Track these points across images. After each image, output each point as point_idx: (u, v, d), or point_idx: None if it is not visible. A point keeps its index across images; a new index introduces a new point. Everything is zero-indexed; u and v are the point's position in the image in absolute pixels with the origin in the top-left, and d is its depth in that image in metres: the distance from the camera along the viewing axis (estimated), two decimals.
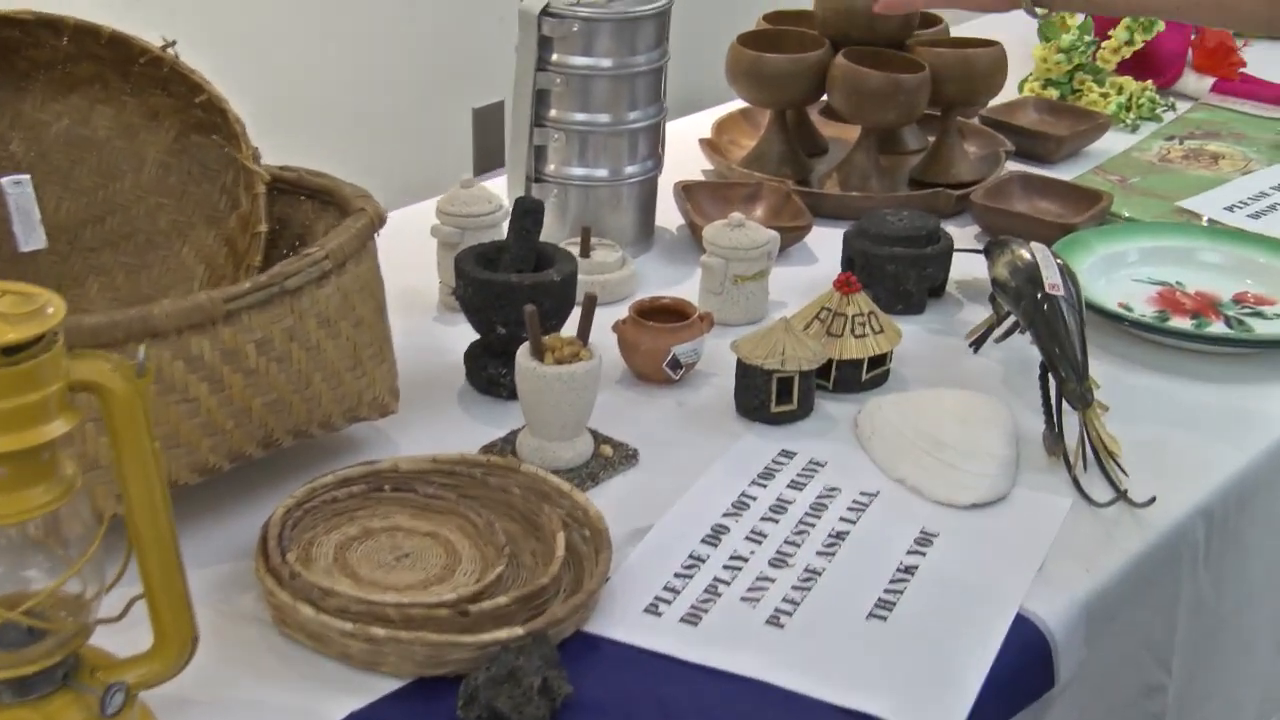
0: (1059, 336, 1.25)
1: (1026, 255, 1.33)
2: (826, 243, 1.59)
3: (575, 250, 1.47)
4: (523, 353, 1.18)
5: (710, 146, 1.81)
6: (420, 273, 1.48)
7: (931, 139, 1.83)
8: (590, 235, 1.48)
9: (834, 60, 1.68)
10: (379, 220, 1.18)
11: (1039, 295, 1.28)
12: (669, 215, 1.64)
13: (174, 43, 1.21)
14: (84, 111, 1.28)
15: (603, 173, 1.53)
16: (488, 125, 3.14)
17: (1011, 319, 1.35)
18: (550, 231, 1.52)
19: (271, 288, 1.06)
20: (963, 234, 1.66)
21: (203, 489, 1.08)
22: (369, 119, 2.52)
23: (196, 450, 1.05)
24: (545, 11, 1.47)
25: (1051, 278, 1.30)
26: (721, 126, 1.87)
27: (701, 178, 1.79)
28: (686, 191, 1.63)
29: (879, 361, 1.33)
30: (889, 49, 1.72)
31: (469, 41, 2.79)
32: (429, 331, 1.42)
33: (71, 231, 1.28)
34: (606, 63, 1.49)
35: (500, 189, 1.55)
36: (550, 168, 1.53)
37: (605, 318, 1.41)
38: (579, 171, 1.53)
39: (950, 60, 1.70)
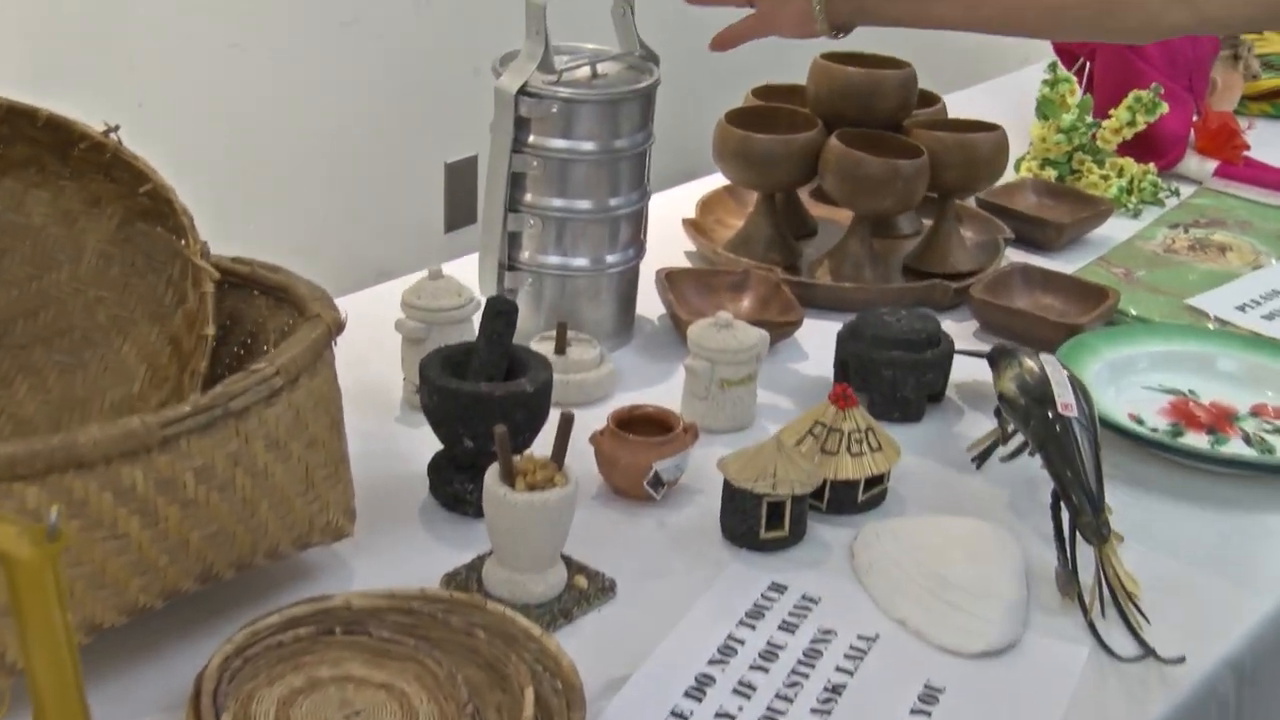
0: (1073, 463, 1.15)
1: (1035, 369, 1.24)
2: (817, 337, 1.50)
3: (550, 346, 1.37)
4: (491, 476, 1.08)
5: (694, 227, 1.71)
6: (384, 365, 1.38)
7: (926, 222, 1.74)
8: (566, 331, 1.38)
9: (827, 142, 1.59)
10: (336, 328, 1.08)
11: (1050, 416, 1.19)
12: (649, 302, 1.54)
13: (117, 128, 1.11)
14: (17, 196, 1.17)
15: (581, 262, 1.43)
16: (460, 179, 3.06)
17: (1019, 438, 1.25)
18: (524, 322, 1.41)
19: (214, 410, 0.95)
20: (961, 329, 1.57)
21: (130, 626, 0.97)
22: (339, 172, 2.43)
23: (124, 590, 0.94)
24: (523, 91, 1.37)
25: (1064, 396, 1.20)
26: (706, 205, 1.78)
27: (684, 260, 1.69)
28: (669, 280, 1.53)
29: (876, 480, 1.23)
30: (885, 131, 1.63)
31: (442, 95, 2.70)
32: (391, 435, 1.31)
33: (1, 327, 1.17)
34: (588, 145, 1.39)
35: (470, 268, 1.45)
36: (525, 255, 1.43)
37: (581, 421, 1.31)
38: (555, 260, 1.43)
39: (950, 145, 1.61)
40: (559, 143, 1.38)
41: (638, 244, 1.49)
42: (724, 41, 1.46)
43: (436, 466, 1.21)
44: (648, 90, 1.42)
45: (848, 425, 1.22)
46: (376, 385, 1.38)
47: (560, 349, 1.37)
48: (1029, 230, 1.78)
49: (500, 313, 1.20)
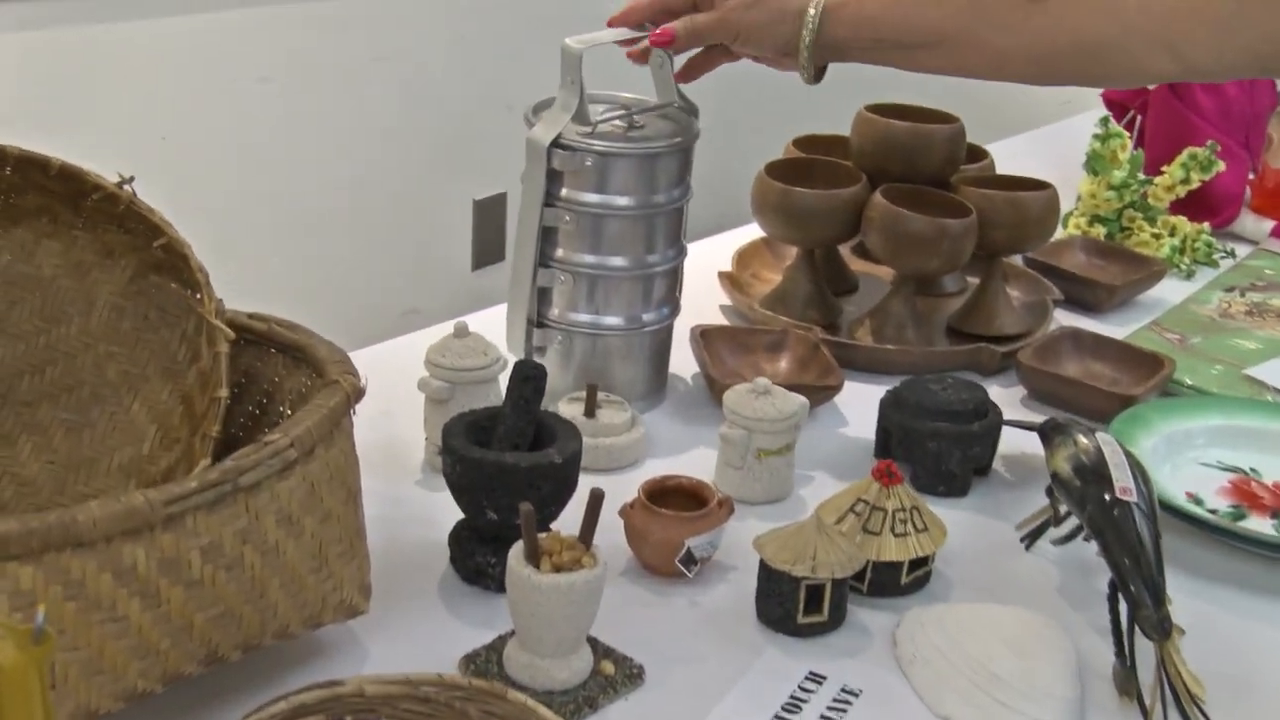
0: (1132, 552, 1.09)
1: (1091, 448, 1.17)
2: (858, 401, 1.44)
3: (579, 408, 1.31)
4: (515, 555, 1.02)
5: (730, 281, 1.65)
6: (407, 421, 1.33)
7: (972, 280, 1.68)
8: (597, 393, 1.32)
9: (871, 198, 1.53)
10: (355, 394, 1.02)
11: (1107, 500, 1.12)
12: (683, 359, 1.48)
13: (131, 179, 1.06)
14: (28, 247, 1.12)
15: (614, 320, 1.37)
16: (488, 217, 3.01)
17: (1073, 520, 1.19)
18: (553, 381, 1.36)
19: (223, 485, 0.90)
20: (1007, 395, 1.51)
21: (127, 712, 0.91)
22: (367, 207, 2.38)
23: (123, 675, 0.88)
24: (556, 143, 1.31)
25: (1122, 479, 1.14)
26: (743, 258, 1.72)
27: (719, 314, 1.64)
28: (704, 338, 1.47)
29: (921, 562, 1.17)
30: (931, 187, 1.57)
31: (472, 131, 2.64)
32: (411, 499, 1.26)
33: (5, 383, 1.11)
34: (623, 200, 1.34)
35: (498, 319, 1.39)
36: (555, 312, 1.38)
37: (610, 487, 1.25)
38: (586, 318, 1.37)
39: (999, 203, 1.55)
40: (593, 197, 1.33)
41: (673, 302, 1.43)
42: (696, 68, 1.40)
43: (458, 537, 1.16)
44: (686, 144, 1.36)
45: (891, 504, 1.16)
46: (398, 444, 1.32)
47: (590, 411, 1.31)
48: (1078, 291, 1.71)
49: (528, 378, 1.14)
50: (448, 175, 2.76)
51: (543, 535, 1.04)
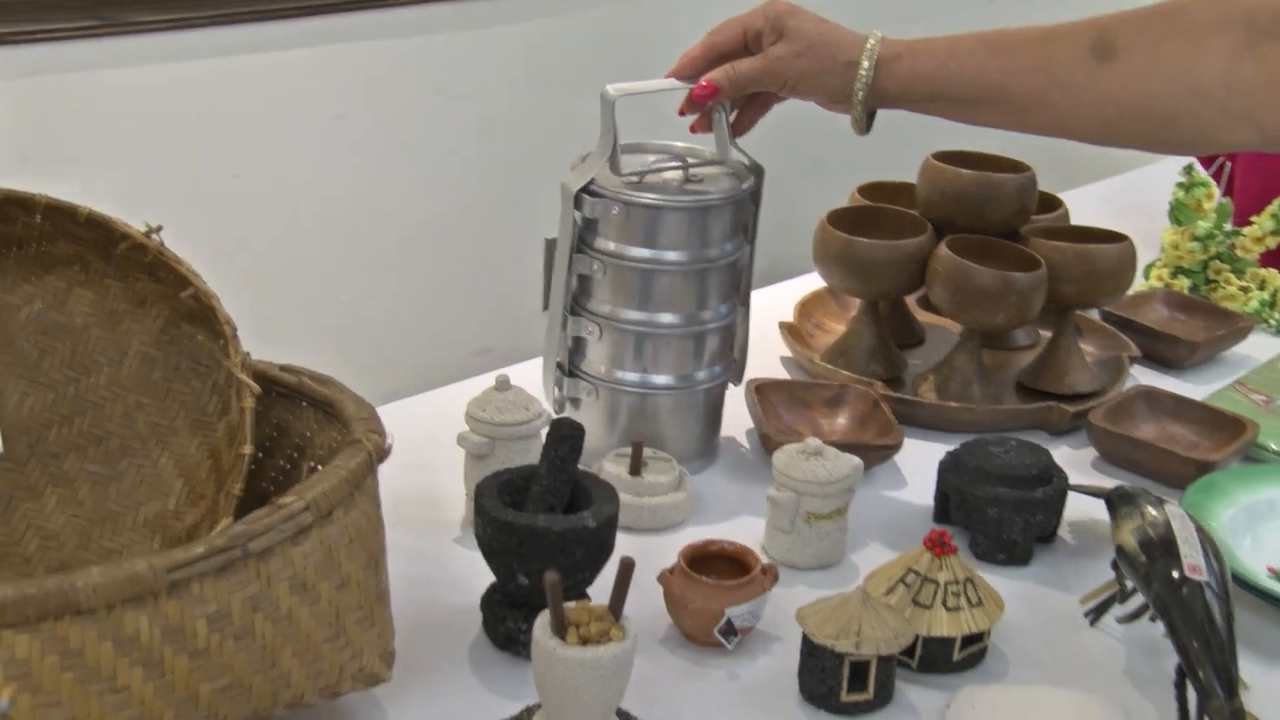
0: (1202, 635, 1.02)
1: (1159, 521, 1.11)
2: (919, 461, 1.38)
3: (624, 465, 1.27)
4: (541, 626, 0.97)
5: (791, 332, 1.60)
6: (450, 474, 1.29)
7: (1045, 333, 1.62)
8: (642, 450, 1.28)
9: (936, 250, 1.47)
10: (379, 454, 0.99)
11: (1175, 579, 1.06)
12: (739, 414, 1.43)
13: (159, 228, 1.03)
14: (60, 294, 1.10)
15: (664, 379, 1.33)
16: None
17: (1140, 597, 1.12)
18: (596, 440, 1.32)
19: (231, 551, 0.86)
20: (1077, 457, 1.44)
21: None
22: (439, 243, 2.34)
23: None
24: (587, 189, 1.28)
25: (1192, 557, 1.07)
26: (805, 307, 1.67)
27: (779, 366, 1.59)
28: (759, 394, 1.42)
29: (975, 638, 1.11)
30: (1000, 239, 1.51)
31: (544, 169, 2.61)
32: (446, 558, 1.22)
33: (34, 434, 1.09)
34: (671, 255, 1.29)
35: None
36: (590, 364, 1.34)
37: (653, 549, 1.21)
38: (634, 376, 1.32)
39: (1071, 257, 1.48)
40: (639, 251, 1.29)
41: (727, 359, 1.38)
42: (746, 120, 1.35)
43: (490, 601, 1.12)
44: (737, 198, 1.31)
45: (944, 575, 1.10)
46: (438, 498, 1.29)
47: (635, 470, 1.27)
48: (1157, 347, 1.64)
49: (565, 437, 1.10)
50: (519, 213, 2.72)
51: (571, 605, 0.99)
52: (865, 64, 1.25)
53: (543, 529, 1.05)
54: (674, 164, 1.33)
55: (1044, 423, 1.47)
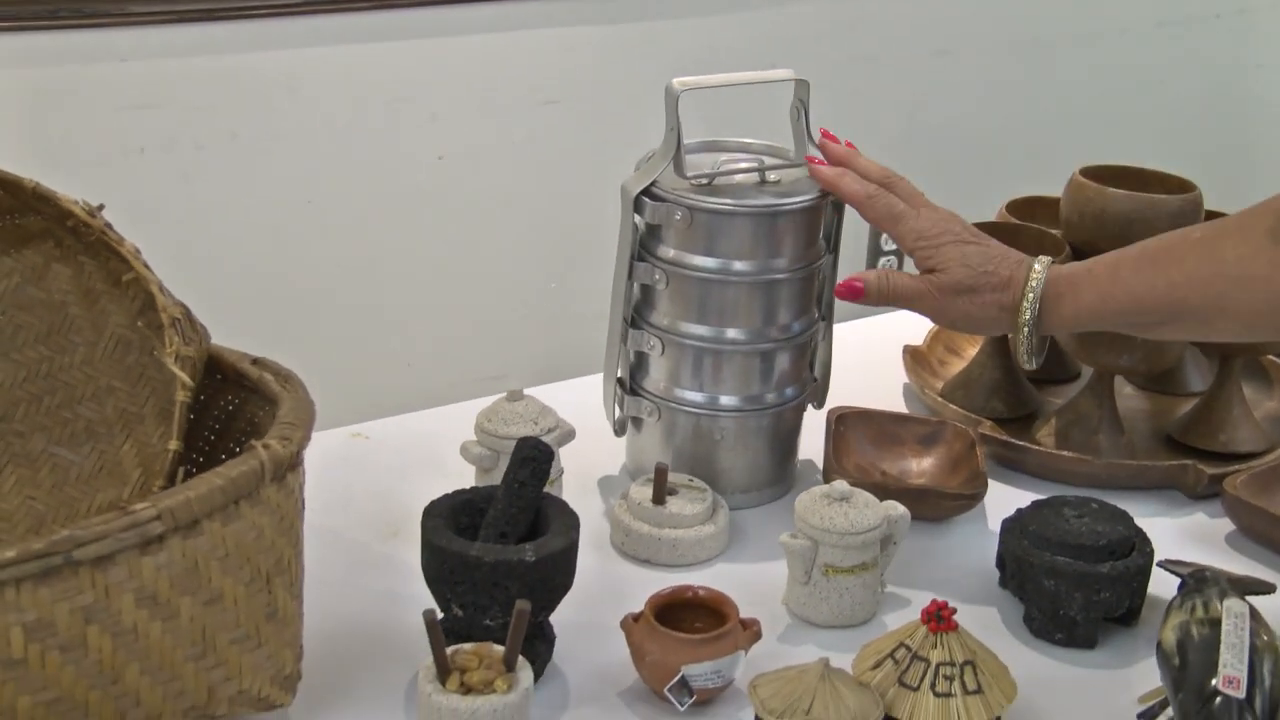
0: None
1: (1209, 621, 0.92)
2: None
3: (647, 492, 1.16)
4: (425, 667, 0.88)
5: (915, 358, 1.45)
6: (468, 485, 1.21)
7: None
8: (666, 477, 1.16)
9: None
10: (277, 465, 0.91)
11: (1205, 690, 0.87)
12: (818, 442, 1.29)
13: (101, 207, 0.99)
14: (39, 269, 1.07)
15: (728, 400, 1.21)
16: None
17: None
18: (649, 461, 1.21)
19: (51, 558, 0.80)
20: (1212, 526, 1.24)
21: None
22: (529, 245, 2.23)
23: None
24: (647, 193, 1.16)
25: (1233, 666, 0.88)
26: (942, 332, 1.50)
27: (898, 397, 1.43)
28: (840, 423, 1.28)
29: None
30: None
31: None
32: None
33: (1, 410, 1.07)
34: (738, 265, 1.17)
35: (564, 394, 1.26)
36: (652, 381, 1.23)
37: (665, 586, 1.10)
38: (693, 395, 1.21)
39: None
40: (699, 259, 1.17)
41: (802, 381, 1.24)
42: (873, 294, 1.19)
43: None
44: (809, 205, 1.18)
45: (938, 655, 0.95)
46: None
47: (659, 498, 1.16)
48: None
49: (527, 459, 1.00)
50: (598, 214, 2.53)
51: (466, 648, 0.90)
52: (1027, 314, 1.13)
53: (473, 559, 0.95)
54: (748, 165, 1.21)
55: (1179, 483, 1.27)
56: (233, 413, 1.07)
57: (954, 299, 1.14)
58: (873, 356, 1.47)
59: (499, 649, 0.90)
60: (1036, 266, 1.13)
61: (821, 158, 1.19)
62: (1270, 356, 1.42)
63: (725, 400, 1.21)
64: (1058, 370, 1.45)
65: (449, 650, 0.89)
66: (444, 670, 0.87)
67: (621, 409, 1.24)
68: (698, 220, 1.16)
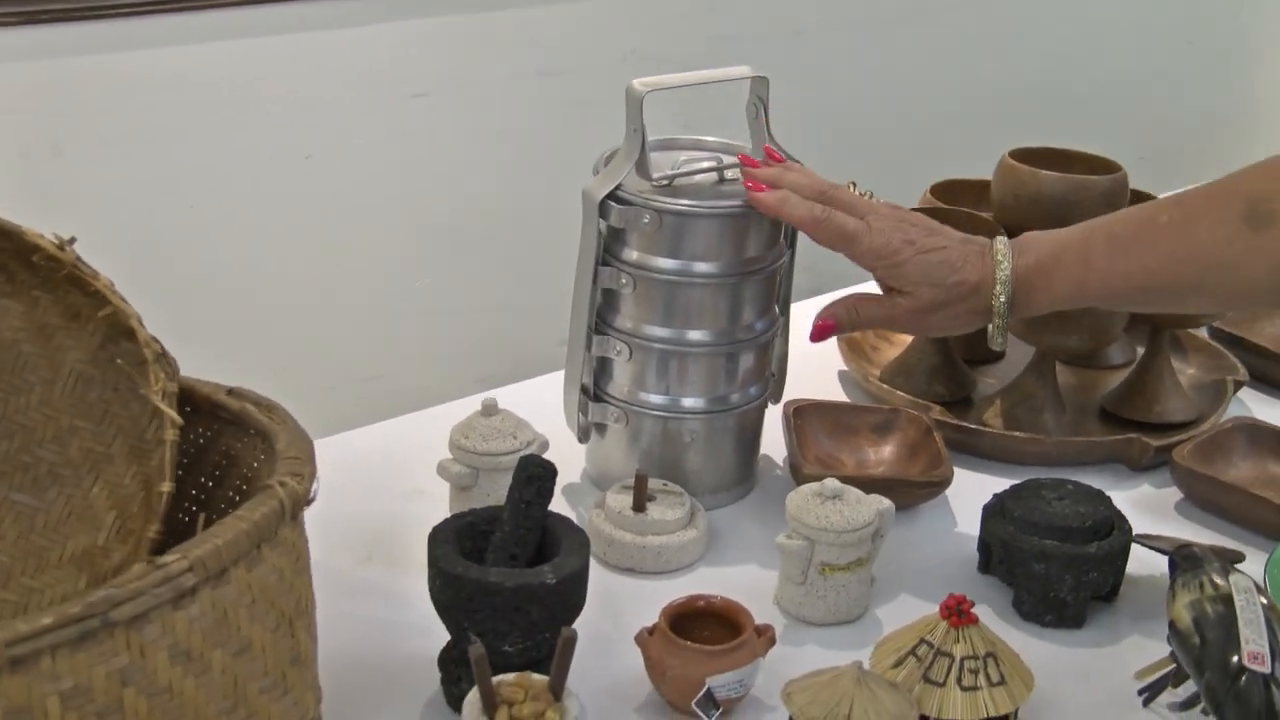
0: None
1: (1221, 595, 0.95)
2: (974, 496, 1.22)
3: (628, 499, 1.14)
4: (470, 703, 0.86)
5: (851, 345, 1.46)
6: (438, 505, 1.18)
7: (1141, 349, 1.44)
8: (647, 484, 1.15)
9: None
10: (295, 504, 0.87)
11: (1232, 667, 0.90)
12: (779, 439, 1.29)
13: (72, 240, 0.93)
14: None
15: (692, 401, 1.20)
16: None
17: (1193, 684, 0.96)
18: (617, 467, 1.21)
19: (88, 621, 0.75)
20: (1160, 497, 1.28)
21: None
22: (511, 227, 2.22)
23: None
24: (613, 196, 1.15)
25: (1255, 642, 0.91)
26: None
27: (837, 385, 1.44)
28: (797, 417, 1.28)
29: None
30: None
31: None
32: (419, 601, 1.09)
33: None
34: (700, 266, 1.16)
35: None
36: (616, 386, 1.21)
37: (654, 597, 1.08)
38: (657, 398, 1.20)
39: None
40: (664, 261, 1.16)
41: (764, 380, 1.24)
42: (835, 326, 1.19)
43: (446, 659, 1.00)
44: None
45: (961, 649, 0.96)
46: (422, 532, 1.17)
47: (639, 505, 1.14)
48: (1272, 369, 1.46)
49: (532, 478, 0.98)
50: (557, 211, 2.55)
51: (509, 678, 0.87)
52: (1002, 311, 1.13)
53: (494, 584, 0.93)
54: (706, 164, 1.20)
55: (1124, 457, 1.31)
56: (204, 446, 1.02)
57: (926, 317, 1.14)
58: (804, 343, 1.47)
59: (539, 678, 0.88)
60: (1002, 261, 1.13)
61: (755, 179, 1.16)
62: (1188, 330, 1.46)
63: (692, 402, 1.20)
64: (984, 351, 1.47)
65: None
66: (491, 705, 0.85)
67: (586, 416, 1.22)
68: (666, 222, 1.14)
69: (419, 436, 1.29)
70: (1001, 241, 1.14)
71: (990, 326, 1.14)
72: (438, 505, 1.19)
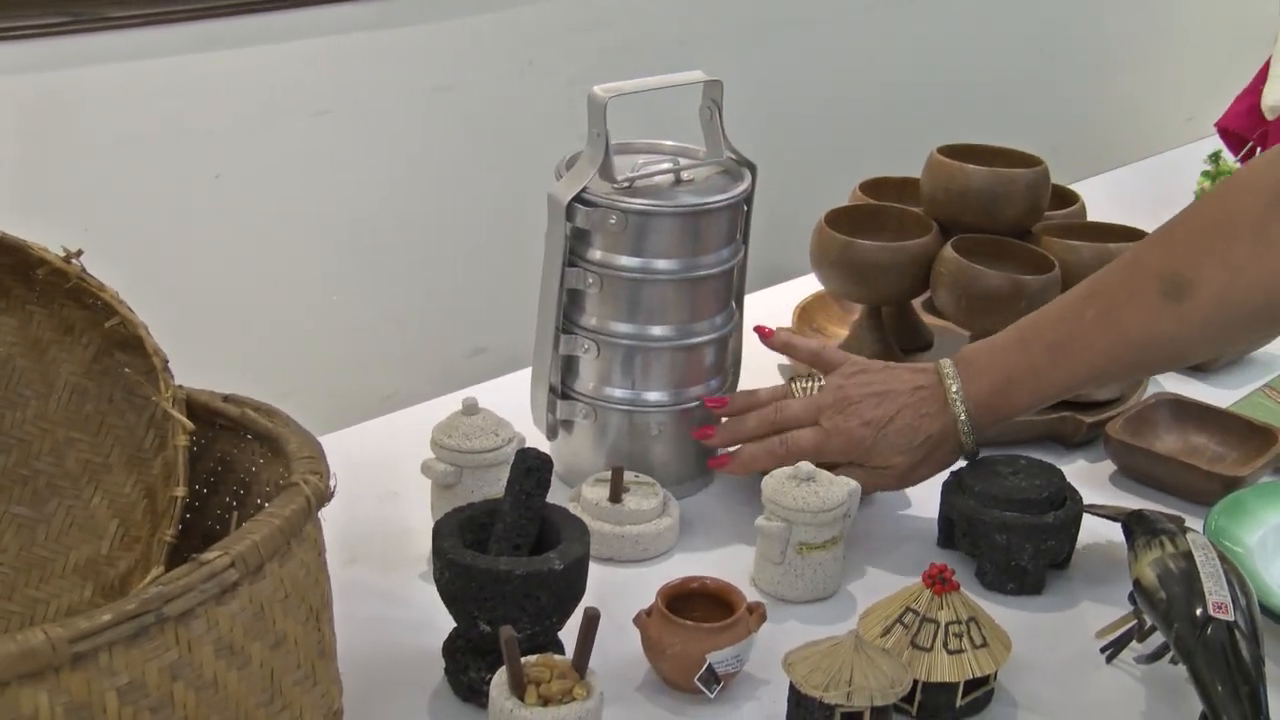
0: (1229, 680, 0.93)
1: (1180, 553, 1.02)
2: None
3: (604, 491, 1.18)
4: (498, 684, 0.89)
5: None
6: (420, 504, 1.21)
7: None
8: (623, 475, 1.19)
9: (941, 252, 1.38)
10: (319, 499, 0.90)
11: (1199, 618, 0.97)
12: None
13: (79, 253, 0.95)
14: None
15: (655, 396, 1.24)
16: None
17: (1160, 636, 1.03)
18: (584, 462, 1.24)
19: (144, 617, 0.77)
20: (1094, 471, 1.35)
21: None
22: (432, 243, 2.24)
23: None
24: (580, 199, 1.19)
25: (1217, 593, 0.98)
26: (805, 312, 1.57)
27: (777, 376, 1.49)
28: None
29: (980, 681, 1.02)
30: (1011, 238, 1.41)
31: (545, 168, 2.52)
32: (411, 597, 1.13)
33: None
34: (661, 264, 1.20)
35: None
36: (583, 384, 1.25)
37: (637, 583, 1.13)
38: (622, 393, 1.24)
39: (1087, 257, 1.39)
40: (627, 260, 1.20)
41: (723, 374, 1.29)
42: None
43: (452, 649, 1.03)
44: (733, 201, 1.22)
45: (945, 615, 1.01)
46: (404, 530, 1.20)
47: (616, 496, 1.18)
48: None
49: (531, 469, 1.01)
50: (514, 212, 2.62)
51: (532, 659, 0.91)
52: (969, 444, 1.20)
53: (504, 573, 0.96)
54: (662, 166, 1.24)
55: (1058, 435, 1.38)
56: (199, 453, 1.04)
57: (909, 475, 1.21)
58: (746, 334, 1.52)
59: (561, 659, 0.91)
60: (956, 399, 1.17)
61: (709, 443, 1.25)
62: None
63: (657, 396, 1.25)
64: (915, 340, 1.54)
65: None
66: (520, 684, 0.88)
67: (554, 414, 1.26)
68: (631, 223, 1.19)
69: (381, 443, 1.32)
70: (950, 373, 1.19)
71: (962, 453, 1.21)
72: (414, 506, 1.21)
